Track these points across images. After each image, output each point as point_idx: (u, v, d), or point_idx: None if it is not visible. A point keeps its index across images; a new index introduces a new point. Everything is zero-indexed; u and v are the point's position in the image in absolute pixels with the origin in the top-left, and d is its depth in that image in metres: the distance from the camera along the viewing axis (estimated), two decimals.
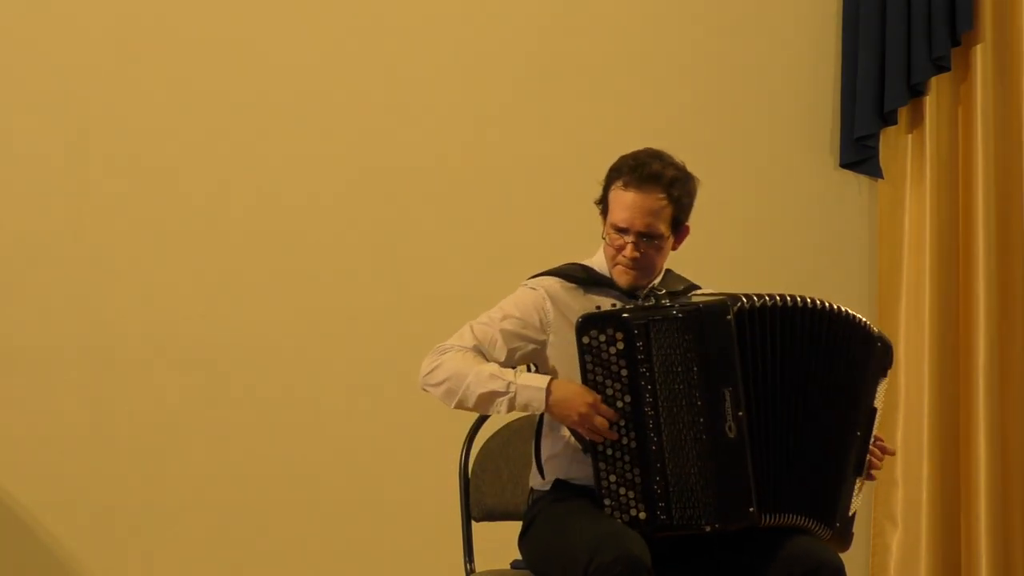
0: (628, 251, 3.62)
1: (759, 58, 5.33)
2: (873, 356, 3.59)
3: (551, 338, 3.67)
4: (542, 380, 3.57)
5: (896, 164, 5.37)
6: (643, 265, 3.64)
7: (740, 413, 3.47)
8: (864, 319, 3.60)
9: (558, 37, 5.16)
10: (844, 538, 3.62)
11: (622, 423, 3.50)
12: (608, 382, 3.50)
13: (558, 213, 5.04)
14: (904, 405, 5.31)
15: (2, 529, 4.76)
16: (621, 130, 5.09)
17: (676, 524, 3.49)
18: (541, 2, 5.16)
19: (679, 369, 3.47)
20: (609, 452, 3.50)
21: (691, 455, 3.47)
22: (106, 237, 4.82)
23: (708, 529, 3.48)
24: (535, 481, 3.76)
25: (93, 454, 4.79)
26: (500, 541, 3.98)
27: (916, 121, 5.36)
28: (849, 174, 5.39)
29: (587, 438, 3.54)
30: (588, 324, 3.49)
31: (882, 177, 5.36)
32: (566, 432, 3.64)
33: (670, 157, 3.67)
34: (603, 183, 3.67)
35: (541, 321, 3.67)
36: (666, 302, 3.52)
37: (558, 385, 3.56)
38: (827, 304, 3.56)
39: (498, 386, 3.56)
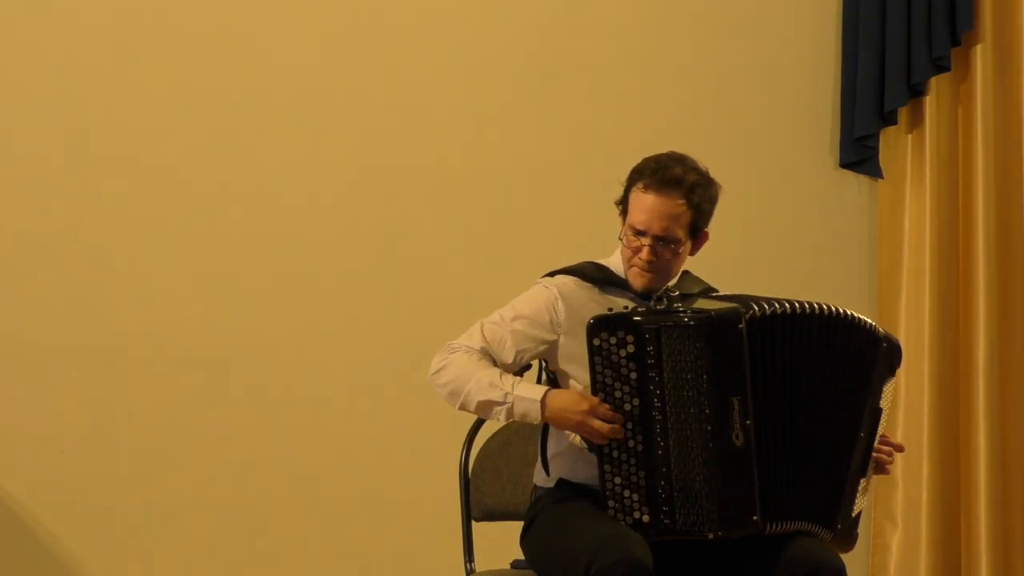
0: (644, 254, 3.60)
1: (759, 58, 5.33)
2: (880, 357, 3.59)
3: (561, 338, 3.66)
4: (538, 392, 3.56)
5: (896, 164, 5.37)
6: (659, 268, 3.63)
7: (748, 422, 3.45)
8: (869, 321, 3.59)
9: (558, 37, 5.16)
10: (848, 539, 3.61)
11: (629, 425, 3.48)
12: (617, 384, 3.48)
13: (558, 213, 5.04)
14: (904, 405, 5.30)
15: (2, 529, 4.76)
16: (621, 130, 5.09)
17: (679, 529, 3.48)
18: (541, 2, 5.15)
19: (688, 376, 3.45)
20: (615, 454, 3.49)
21: (697, 461, 3.46)
22: (106, 237, 4.82)
23: (711, 536, 3.47)
24: (539, 477, 3.75)
25: (93, 454, 4.79)
26: (500, 541, 3.99)
27: (916, 121, 5.36)
28: (849, 174, 5.38)
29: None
30: (599, 326, 3.47)
31: (882, 177, 5.36)
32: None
33: (693, 162, 3.64)
34: (624, 183, 3.65)
35: (551, 321, 3.66)
36: (678, 306, 3.51)
37: (553, 396, 3.55)
38: (837, 309, 3.54)
39: (496, 396, 3.56)
